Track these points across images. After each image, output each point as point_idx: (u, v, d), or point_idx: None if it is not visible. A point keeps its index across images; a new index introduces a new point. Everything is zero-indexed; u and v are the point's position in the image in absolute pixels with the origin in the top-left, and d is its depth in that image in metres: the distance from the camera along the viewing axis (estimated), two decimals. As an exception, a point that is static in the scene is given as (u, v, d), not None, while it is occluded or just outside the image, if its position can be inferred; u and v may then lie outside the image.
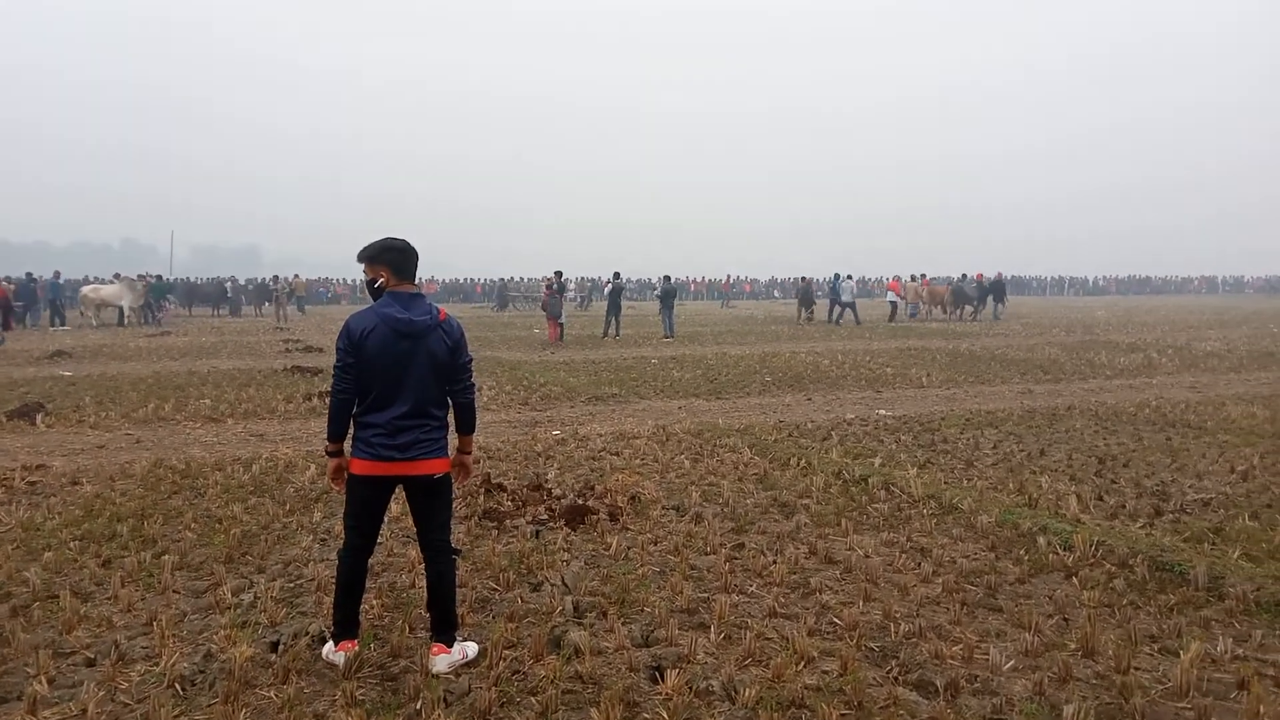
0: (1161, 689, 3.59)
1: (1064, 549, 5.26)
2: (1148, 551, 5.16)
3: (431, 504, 3.86)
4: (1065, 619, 4.31)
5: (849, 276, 31.69)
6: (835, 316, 30.11)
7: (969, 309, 33.12)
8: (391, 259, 3.82)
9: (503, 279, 55.57)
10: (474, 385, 4.01)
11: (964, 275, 35.90)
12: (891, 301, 33.20)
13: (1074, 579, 4.84)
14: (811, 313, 31.14)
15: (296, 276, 43.47)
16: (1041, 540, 5.41)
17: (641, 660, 3.84)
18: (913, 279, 35.54)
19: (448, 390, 3.87)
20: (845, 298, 30.15)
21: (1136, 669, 3.75)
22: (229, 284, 42.28)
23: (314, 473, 7.31)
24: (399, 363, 3.71)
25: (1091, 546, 5.22)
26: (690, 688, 3.57)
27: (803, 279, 33.57)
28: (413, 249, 3.87)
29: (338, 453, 3.85)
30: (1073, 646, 3.96)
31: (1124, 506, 6.29)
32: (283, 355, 19.08)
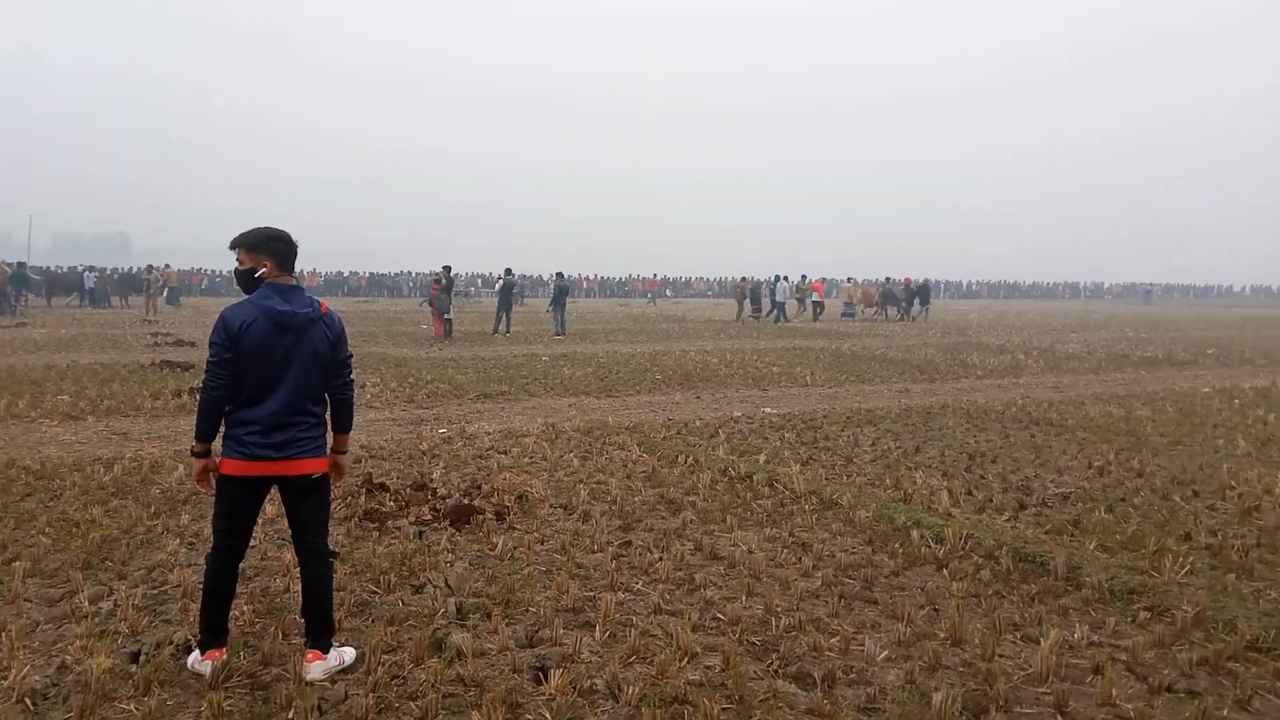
0: (1023, 675, 3.77)
1: (936, 542, 5.48)
2: (1012, 543, 5.42)
3: (309, 505, 3.72)
4: (936, 609, 4.48)
5: (785, 278, 33.38)
6: (774, 316, 31.73)
7: (895, 310, 35.55)
8: (276, 249, 3.67)
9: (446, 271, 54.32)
10: (354, 382, 3.91)
11: (889, 279, 38.88)
12: (815, 302, 35.03)
13: (944, 571, 5.04)
14: (758, 312, 32.59)
15: (168, 267, 41.47)
16: (915, 534, 5.62)
17: (525, 661, 3.80)
18: (848, 280, 37.75)
19: (326, 387, 3.75)
20: (779, 298, 31.90)
21: (1000, 656, 3.94)
22: (90, 274, 39.80)
23: (182, 473, 6.97)
24: (279, 357, 3.56)
25: (961, 539, 5.46)
26: (574, 687, 3.56)
27: (743, 279, 34.94)
28: (295, 240, 3.73)
29: (205, 453, 3.66)
30: (942, 636, 4.12)
31: (991, 501, 6.60)
32: (151, 349, 18.14)
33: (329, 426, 3.83)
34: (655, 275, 69.78)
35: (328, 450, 3.78)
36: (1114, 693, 3.56)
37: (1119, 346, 22.44)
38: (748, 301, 32.99)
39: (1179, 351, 20.98)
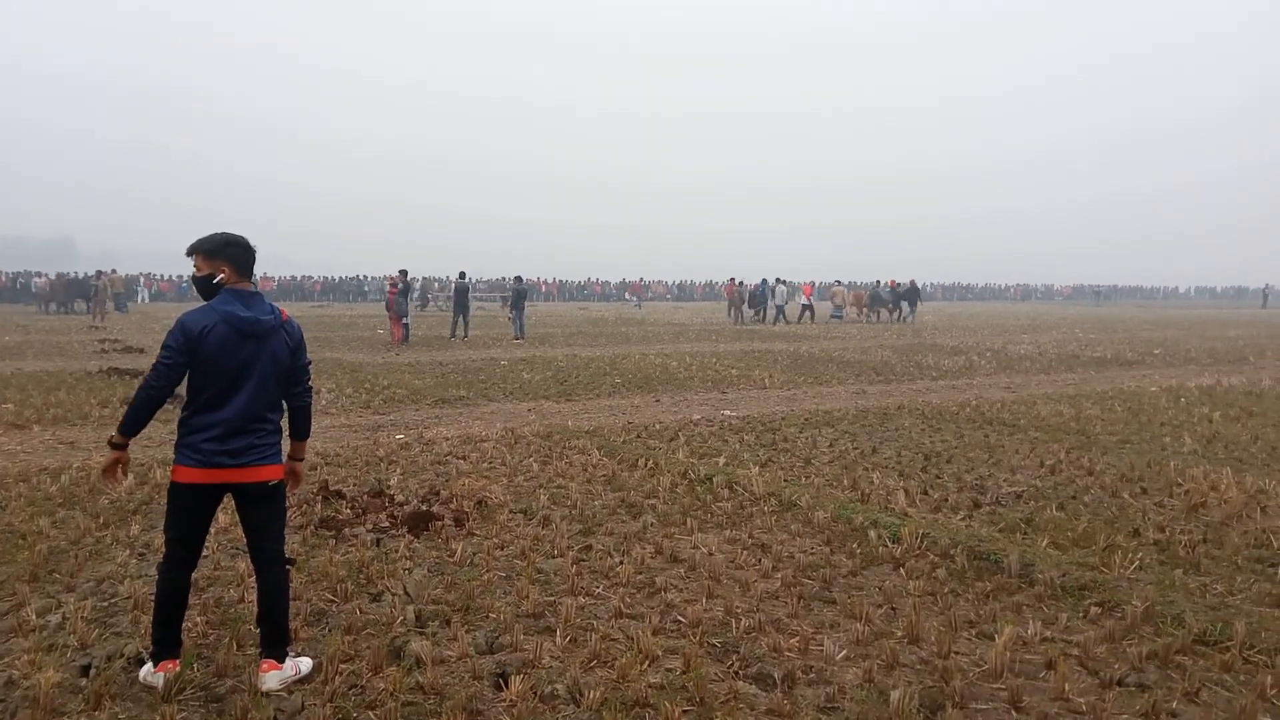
0: (979, 671, 3.83)
1: (893, 541, 5.54)
2: (967, 542, 5.51)
3: (264, 513, 3.67)
4: (893, 608, 4.53)
5: (781, 282, 34.53)
6: (771, 318, 33.23)
7: (884, 312, 36.60)
8: (234, 255, 3.62)
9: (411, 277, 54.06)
10: (312, 389, 3.87)
11: (878, 281, 39.90)
12: (805, 305, 35.89)
13: (901, 570, 5.10)
14: (760, 313, 33.74)
15: (114, 272, 40.63)
16: (873, 534, 5.68)
17: (486, 667, 3.78)
18: (837, 284, 38.95)
19: (285, 394, 3.72)
20: (779, 301, 33.33)
21: (956, 653, 3.99)
22: (34, 279, 38.88)
23: (131, 483, 6.83)
24: (238, 364, 3.52)
25: (917, 539, 5.53)
26: (535, 693, 3.55)
27: (741, 283, 35.88)
28: (252, 245, 3.69)
29: (123, 446, 3.59)
30: (899, 634, 4.17)
31: (946, 500, 6.69)
32: (98, 356, 17.74)
33: (285, 433, 3.78)
34: (641, 279, 69.81)
35: (284, 457, 3.74)
36: (1066, 687, 3.63)
37: (1069, 347, 22.90)
38: (746, 306, 33.94)
39: (1127, 351, 21.46)
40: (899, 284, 37.72)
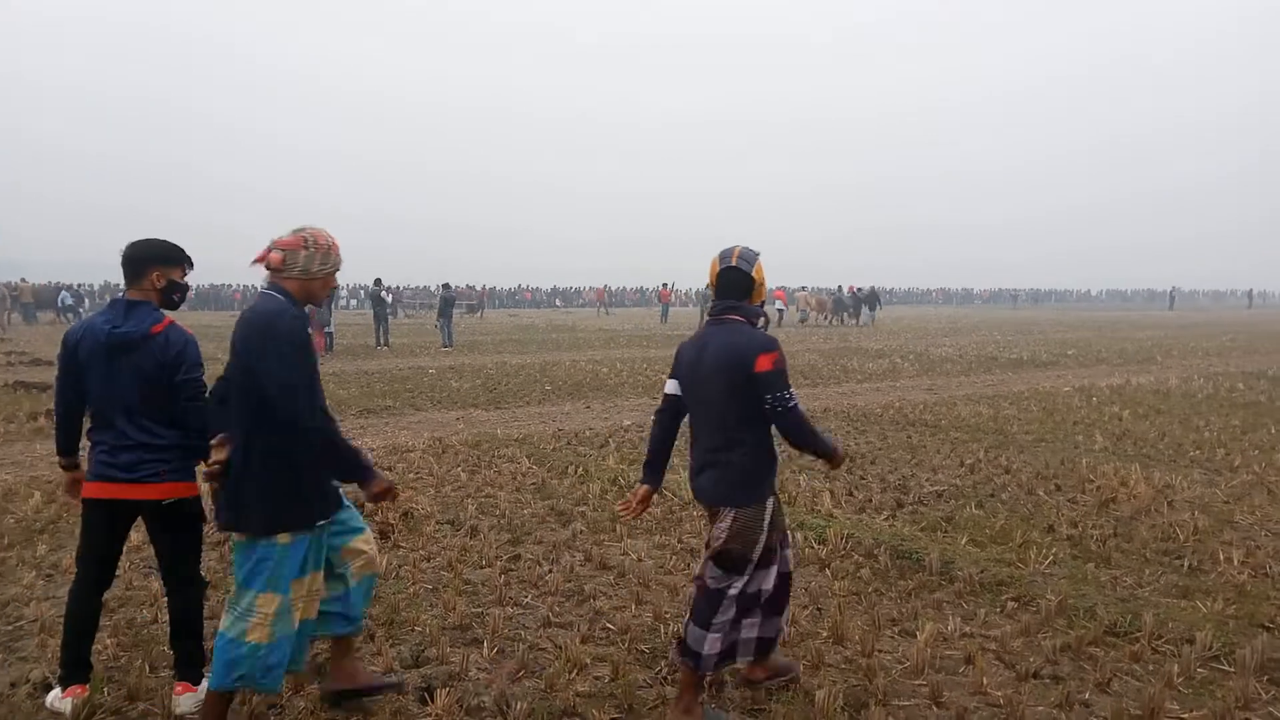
0: (901, 668, 3.91)
1: (819, 543, 5.62)
2: (890, 541, 5.62)
3: (169, 533, 3.54)
4: (819, 609, 4.60)
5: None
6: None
7: (847, 315, 38.26)
8: (123, 263, 3.49)
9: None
10: (201, 406, 3.45)
11: (840, 286, 41.60)
12: (778, 309, 36.99)
13: (827, 570, 5.18)
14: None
15: (23, 281, 38.94)
16: (799, 535, 5.75)
17: (411, 681, 3.72)
18: (802, 289, 40.45)
19: (174, 409, 3.44)
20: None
21: (880, 651, 4.07)
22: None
23: (38, 501, 6.54)
24: (108, 376, 3.41)
25: (842, 539, 5.62)
26: (461, 705, 3.50)
27: (665, 286, 37.02)
28: (141, 252, 3.48)
29: (68, 466, 3.62)
30: (824, 634, 4.23)
31: (870, 501, 6.82)
32: (3, 370, 16.98)
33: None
34: (605, 286, 69.33)
35: (194, 476, 3.58)
36: (985, 681, 3.72)
37: (988, 349, 23.57)
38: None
39: (1042, 353, 22.18)
40: (858, 290, 39.46)
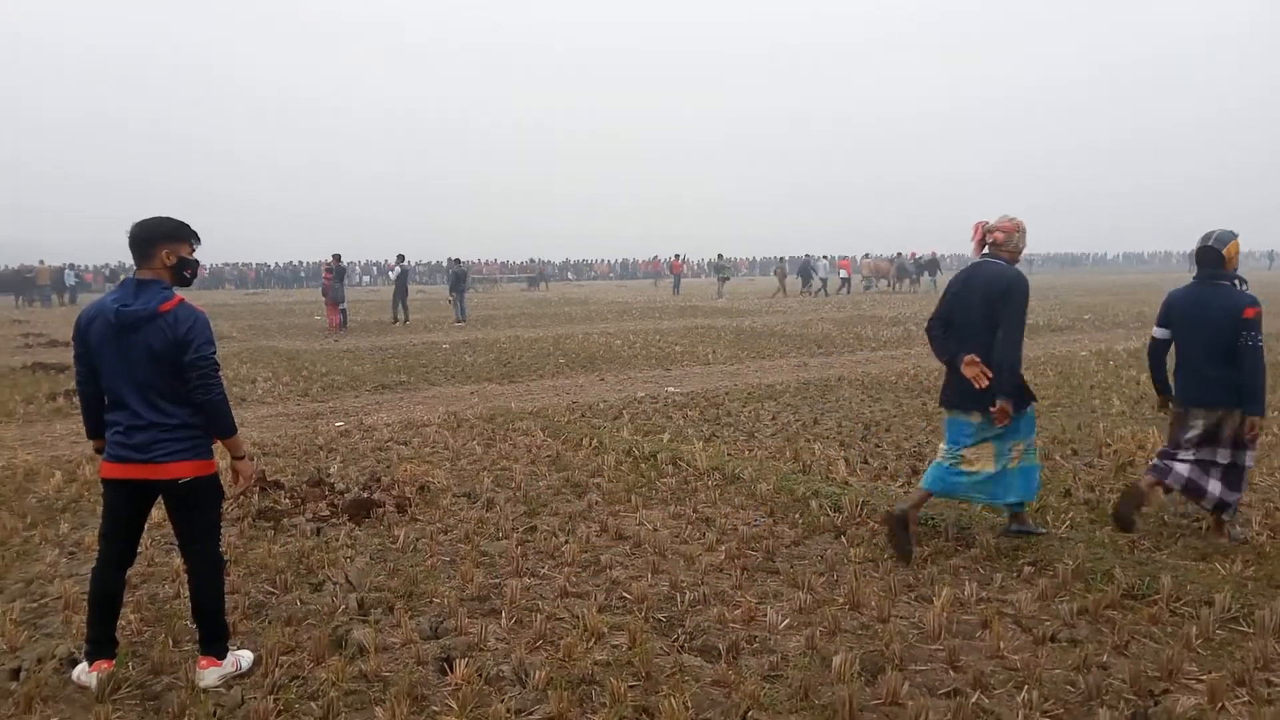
0: (917, 634, 3.91)
1: (834, 510, 5.63)
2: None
3: (187, 511, 3.57)
4: (835, 576, 4.61)
5: (824, 257, 38.98)
6: (815, 289, 36.59)
7: (909, 281, 39.31)
8: (130, 243, 3.49)
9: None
10: (212, 384, 3.46)
11: (899, 253, 42.59)
12: (844, 278, 38.64)
13: (842, 538, 5.19)
14: (810, 286, 36.71)
15: (41, 263, 39.18)
16: (814, 504, 5.76)
17: (430, 652, 3.76)
18: (866, 257, 44.13)
19: (184, 389, 3.45)
20: (822, 274, 37.10)
21: (896, 617, 4.07)
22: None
23: (60, 480, 6.62)
24: (119, 356, 3.42)
25: (858, 507, 5.62)
26: (480, 675, 3.53)
27: (781, 259, 39.67)
28: (147, 231, 3.47)
29: (100, 450, 3.64)
30: (841, 601, 4.24)
31: (885, 468, 6.81)
32: (22, 351, 17.14)
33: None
34: (656, 257, 71.07)
35: (210, 454, 3.61)
36: (1001, 645, 3.72)
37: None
38: (798, 278, 37.19)
39: (1058, 317, 22.01)
40: (919, 256, 40.42)
